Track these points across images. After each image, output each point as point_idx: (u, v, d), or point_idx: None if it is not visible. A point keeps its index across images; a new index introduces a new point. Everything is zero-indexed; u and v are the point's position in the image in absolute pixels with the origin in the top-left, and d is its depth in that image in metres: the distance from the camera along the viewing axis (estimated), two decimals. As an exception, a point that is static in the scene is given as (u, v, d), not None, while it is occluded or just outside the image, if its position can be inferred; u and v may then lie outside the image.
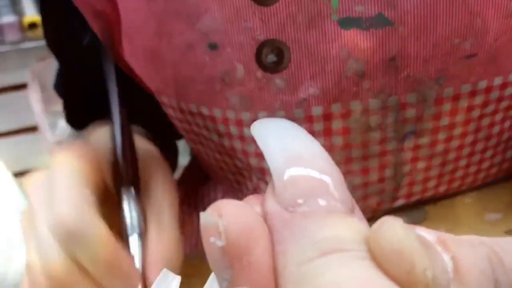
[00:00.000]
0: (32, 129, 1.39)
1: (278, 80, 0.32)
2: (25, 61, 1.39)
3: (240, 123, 0.35)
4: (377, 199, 0.39)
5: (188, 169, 0.59)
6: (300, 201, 0.12)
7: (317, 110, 0.33)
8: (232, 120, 0.35)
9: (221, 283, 0.13)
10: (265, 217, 0.13)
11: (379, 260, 0.11)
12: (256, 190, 0.39)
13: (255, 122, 0.15)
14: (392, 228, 0.11)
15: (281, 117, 0.34)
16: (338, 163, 0.40)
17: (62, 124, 1.37)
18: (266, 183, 0.37)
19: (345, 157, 0.36)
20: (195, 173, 0.58)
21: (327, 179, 0.13)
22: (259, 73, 0.32)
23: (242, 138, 0.36)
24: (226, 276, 0.12)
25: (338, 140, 0.35)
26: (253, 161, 0.36)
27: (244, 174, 0.40)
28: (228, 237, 0.12)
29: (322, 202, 0.12)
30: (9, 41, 1.38)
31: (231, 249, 0.12)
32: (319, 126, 0.34)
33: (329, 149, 0.35)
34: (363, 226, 0.12)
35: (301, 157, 0.13)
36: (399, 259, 0.11)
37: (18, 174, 1.49)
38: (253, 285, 0.12)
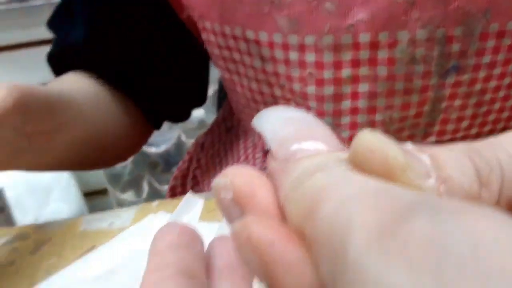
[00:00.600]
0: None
1: (328, 4, 0.33)
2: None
3: (286, 47, 0.35)
4: (409, 132, 0.40)
5: (215, 122, 0.61)
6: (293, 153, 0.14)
7: (364, 37, 0.34)
8: (278, 43, 0.35)
9: None
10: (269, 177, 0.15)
11: (358, 164, 0.12)
12: None
13: (256, 116, 0.17)
14: (363, 134, 0.12)
15: (329, 42, 0.34)
16: (380, 95, 0.41)
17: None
18: (308, 108, 0.38)
19: (388, 90, 0.37)
20: (221, 126, 0.59)
21: (314, 137, 0.15)
22: None
23: (287, 62, 0.36)
24: None
25: (383, 71, 0.35)
26: (296, 86, 0.37)
27: (279, 104, 0.40)
28: (234, 188, 0.14)
29: (314, 146, 0.14)
30: (44, -5, 1.39)
31: (238, 197, 0.14)
32: (365, 55, 0.34)
33: (373, 79, 0.36)
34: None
35: (293, 124, 0.15)
36: (373, 154, 0.12)
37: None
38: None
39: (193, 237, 0.21)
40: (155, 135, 0.63)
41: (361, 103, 0.37)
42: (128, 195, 1.38)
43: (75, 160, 0.46)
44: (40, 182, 1.30)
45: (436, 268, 0.08)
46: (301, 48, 0.35)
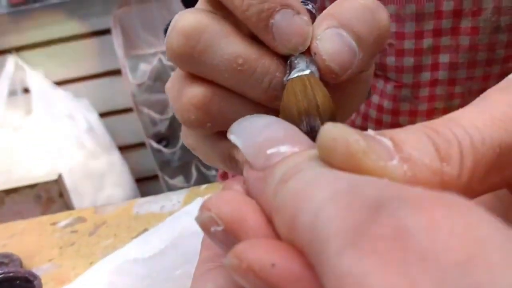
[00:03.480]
0: (116, 72, 1.46)
1: None
2: (108, 7, 1.45)
3: None
4: None
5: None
6: (268, 161, 0.15)
7: (448, 5, 0.33)
8: None
9: None
10: (246, 187, 0.15)
11: (326, 159, 0.13)
12: None
13: (229, 129, 0.17)
14: (326, 126, 0.13)
15: (411, 11, 0.34)
16: (461, 66, 0.38)
17: (142, 67, 1.44)
18: (386, 79, 0.38)
19: (469, 60, 0.36)
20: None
21: (288, 142, 0.15)
22: None
23: None
24: None
25: (465, 41, 0.35)
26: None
27: None
28: (223, 220, 0.14)
29: (285, 150, 0.15)
30: (93, -12, 1.44)
31: (231, 227, 0.14)
32: (448, 24, 0.34)
33: (455, 49, 0.35)
34: None
35: (265, 131, 0.15)
36: (335, 143, 0.13)
37: (103, 114, 1.59)
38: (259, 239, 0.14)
39: None
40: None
41: (441, 75, 0.36)
42: (178, 181, 1.42)
43: None
44: (95, 169, 1.37)
45: (402, 263, 0.09)
46: None
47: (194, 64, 0.20)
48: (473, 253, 0.09)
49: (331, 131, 0.13)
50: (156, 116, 1.40)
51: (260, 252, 0.12)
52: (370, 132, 0.13)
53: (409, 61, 0.36)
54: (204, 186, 0.53)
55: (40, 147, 1.32)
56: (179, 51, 0.20)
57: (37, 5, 1.41)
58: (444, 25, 0.34)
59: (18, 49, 1.48)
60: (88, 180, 1.33)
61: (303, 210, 0.12)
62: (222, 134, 0.22)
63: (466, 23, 0.34)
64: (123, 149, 1.53)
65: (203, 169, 1.40)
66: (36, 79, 1.43)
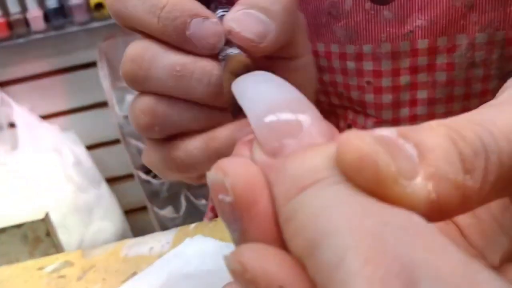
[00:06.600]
0: (102, 104, 1.46)
1: (386, 12, 0.33)
2: (93, 40, 1.46)
3: (344, 57, 0.36)
4: None
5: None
6: (280, 143, 0.13)
7: (423, 43, 0.34)
8: (336, 53, 0.36)
9: (232, 234, 0.14)
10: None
11: (349, 175, 0.12)
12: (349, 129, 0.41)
13: (235, 80, 0.17)
14: (349, 138, 0.12)
15: (387, 49, 0.34)
16: (439, 101, 0.38)
17: (129, 98, 1.44)
18: (366, 115, 0.38)
19: (447, 95, 0.36)
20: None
21: (302, 118, 0.14)
22: (368, 5, 0.33)
23: (344, 71, 0.36)
24: (235, 227, 0.13)
25: (442, 76, 0.35)
26: (354, 94, 0.37)
27: (337, 113, 0.40)
28: (235, 193, 0.13)
29: (299, 140, 0.13)
30: (77, 22, 1.44)
31: (239, 203, 0.13)
32: (424, 61, 0.34)
33: (432, 85, 0.35)
34: None
35: (276, 104, 0.14)
36: (362, 165, 0.11)
37: (90, 147, 1.57)
38: (261, 232, 0.13)
39: None
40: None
41: (420, 110, 0.37)
42: (167, 211, 1.41)
43: None
44: (83, 203, 1.35)
45: None
46: (359, 57, 0.35)
47: (143, 81, 0.24)
48: None
49: (356, 145, 0.11)
50: (144, 147, 1.39)
51: (268, 267, 0.11)
52: (393, 132, 0.12)
53: (387, 98, 0.37)
54: (193, 226, 0.53)
55: (27, 182, 1.31)
56: (129, 73, 0.24)
57: (21, 40, 1.41)
58: (420, 62, 0.35)
59: (3, 84, 1.48)
60: (76, 215, 1.31)
61: (325, 244, 0.11)
62: (173, 142, 0.25)
63: (441, 60, 0.35)
64: (111, 181, 1.52)
65: (192, 199, 1.39)
66: (22, 114, 1.42)
